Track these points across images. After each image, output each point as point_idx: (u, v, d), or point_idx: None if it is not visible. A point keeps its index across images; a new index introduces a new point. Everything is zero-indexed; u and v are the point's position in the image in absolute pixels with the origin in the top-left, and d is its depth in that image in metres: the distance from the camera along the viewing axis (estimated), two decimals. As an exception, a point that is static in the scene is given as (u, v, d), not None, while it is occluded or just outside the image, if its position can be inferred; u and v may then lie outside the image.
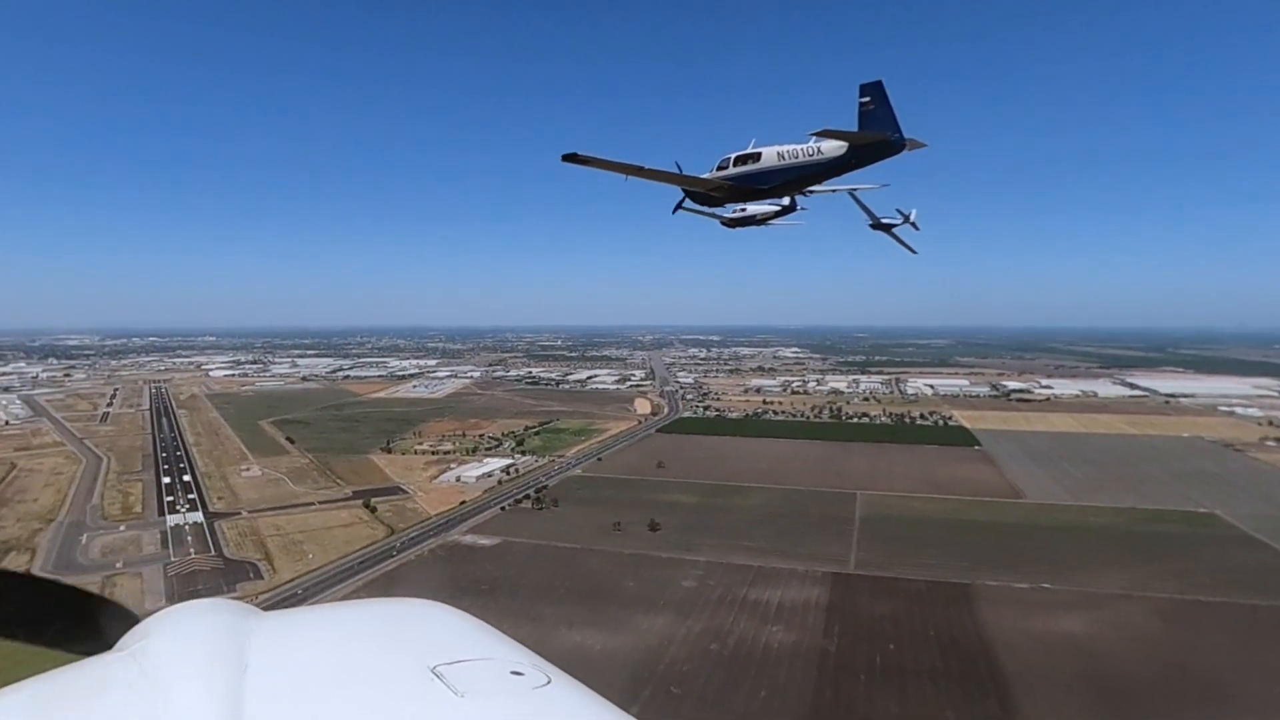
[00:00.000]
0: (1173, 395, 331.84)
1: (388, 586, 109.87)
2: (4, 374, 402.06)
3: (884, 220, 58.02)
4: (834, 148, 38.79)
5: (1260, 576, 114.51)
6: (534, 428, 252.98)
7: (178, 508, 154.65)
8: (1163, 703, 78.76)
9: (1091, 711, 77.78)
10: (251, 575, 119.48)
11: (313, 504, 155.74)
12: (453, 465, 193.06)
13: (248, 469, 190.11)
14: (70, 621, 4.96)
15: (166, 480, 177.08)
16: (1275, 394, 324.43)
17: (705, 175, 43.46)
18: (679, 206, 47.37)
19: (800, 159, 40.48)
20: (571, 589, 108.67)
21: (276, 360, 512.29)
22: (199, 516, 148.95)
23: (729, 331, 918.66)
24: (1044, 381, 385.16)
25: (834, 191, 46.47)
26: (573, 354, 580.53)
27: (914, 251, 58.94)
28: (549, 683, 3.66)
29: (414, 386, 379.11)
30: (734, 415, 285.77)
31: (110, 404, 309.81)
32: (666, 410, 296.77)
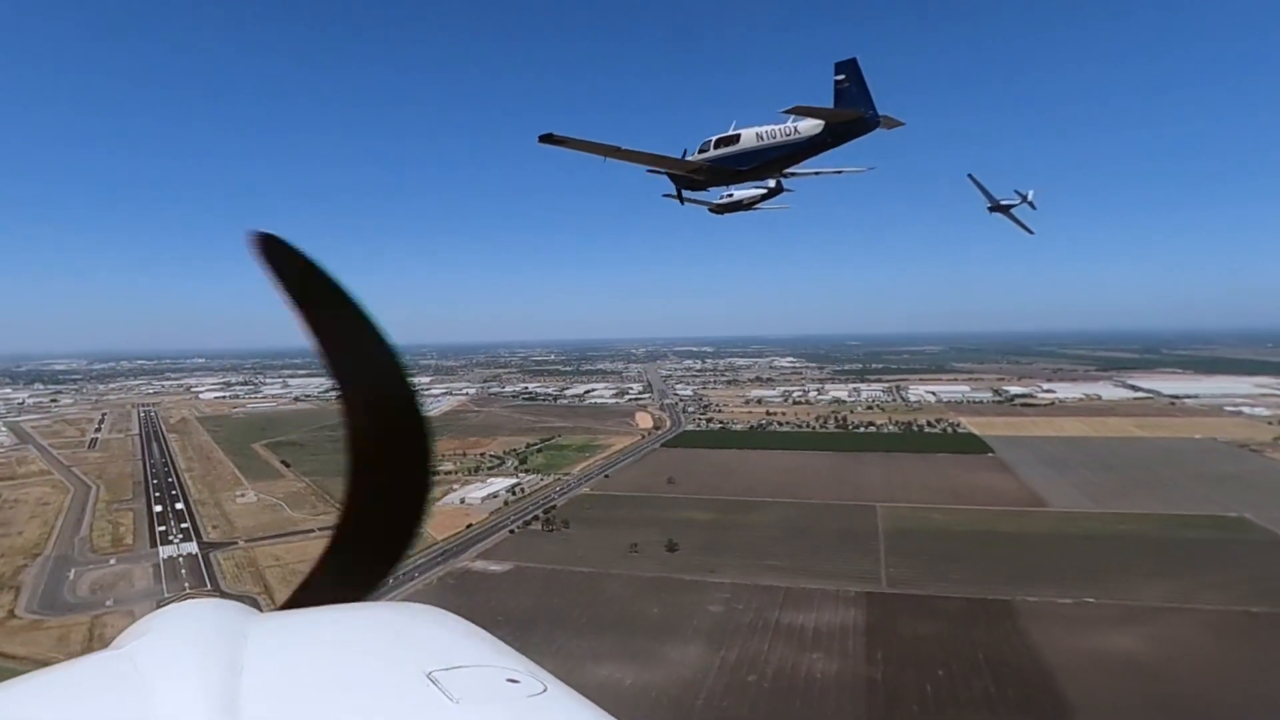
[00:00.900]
0: (1176, 396, 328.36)
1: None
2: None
3: (1003, 202, 54.08)
4: (811, 127, 38.54)
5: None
6: (536, 445, 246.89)
7: (170, 538, 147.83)
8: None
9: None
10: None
11: (312, 531, 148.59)
12: (455, 486, 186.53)
13: (242, 495, 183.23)
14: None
15: (158, 509, 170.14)
16: (1279, 392, 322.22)
17: (687, 158, 43.08)
18: (675, 195, 47.01)
19: (778, 139, 40.24)
20: (594, 618, 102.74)
21: (268, 381, 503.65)
22: (193, 547, 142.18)
23: (721, 343, 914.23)
24: (1045, 385, 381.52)
25: (816, 174, 45.79)
26: (567, 368, 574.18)
27: (1030, 232, 55.25)
28: (545, 690, 3.61)
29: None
30: (738, 427, 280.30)
31: (98, 429, 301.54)
32: (669, 424, 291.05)
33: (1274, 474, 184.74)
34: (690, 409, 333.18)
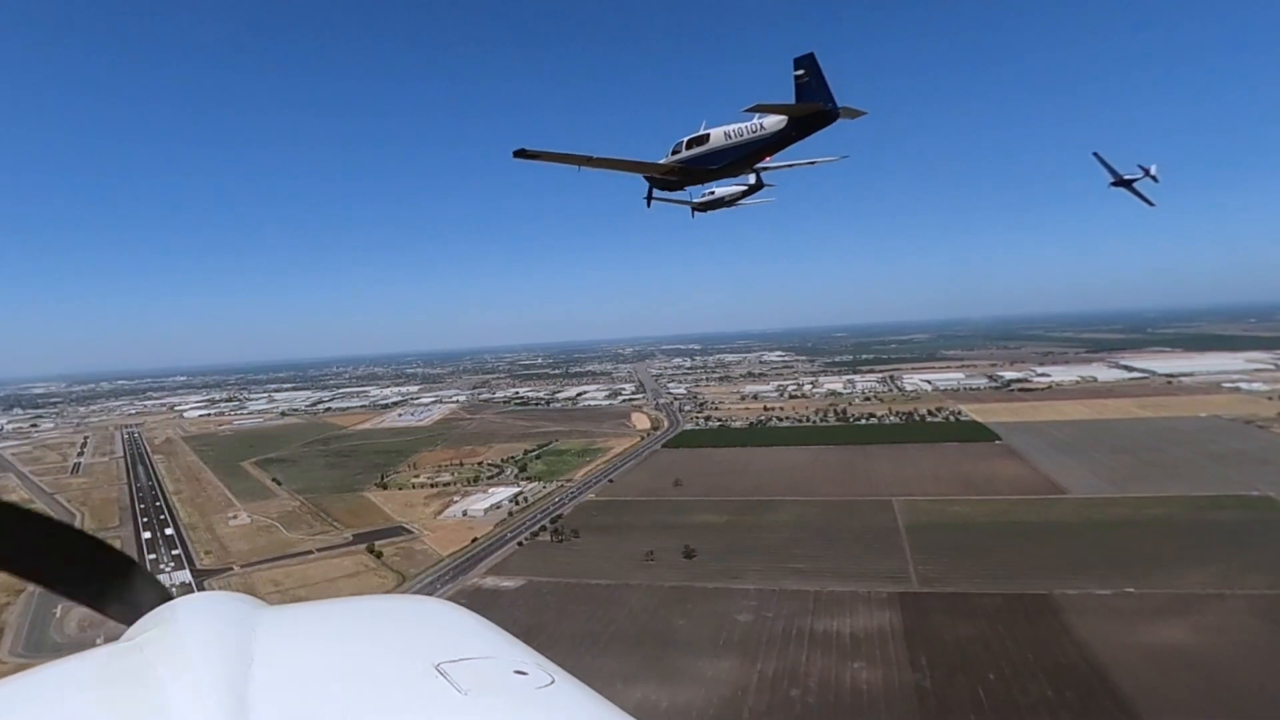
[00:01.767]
0: (1172, 375, 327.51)
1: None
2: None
3: (1126, 176, 50.31)
4: (775, 122, 39.39)
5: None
6: (534, 451, 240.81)
7: (162, 566, 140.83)
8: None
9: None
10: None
11: (311, 552, 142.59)
12: (456, 498, 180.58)
13: (235, 517, 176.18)
14: (108, 585, 5.10)
15: (147, 535, 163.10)
16: (1272, 367, 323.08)
17: (659, 160, 43.97)
18: (649, 198, 47.43)
19: (746, 136, 41.24)
20: (618, 634, 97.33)
21: (252, 396, 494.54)
22: (186, 575, 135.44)
23: (708, 339, 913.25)
24: (1038, 370, 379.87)
25: (790, 166, 46.43)
26: (556, 371, 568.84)
27: (1151, 204, 50.78)
28: (552, 683, 3.67)
29: (399, 415, 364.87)
30: (737, 424, 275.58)
31: (81, 453, 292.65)
32: (667, 424, 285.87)
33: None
34: (686, 408, 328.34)
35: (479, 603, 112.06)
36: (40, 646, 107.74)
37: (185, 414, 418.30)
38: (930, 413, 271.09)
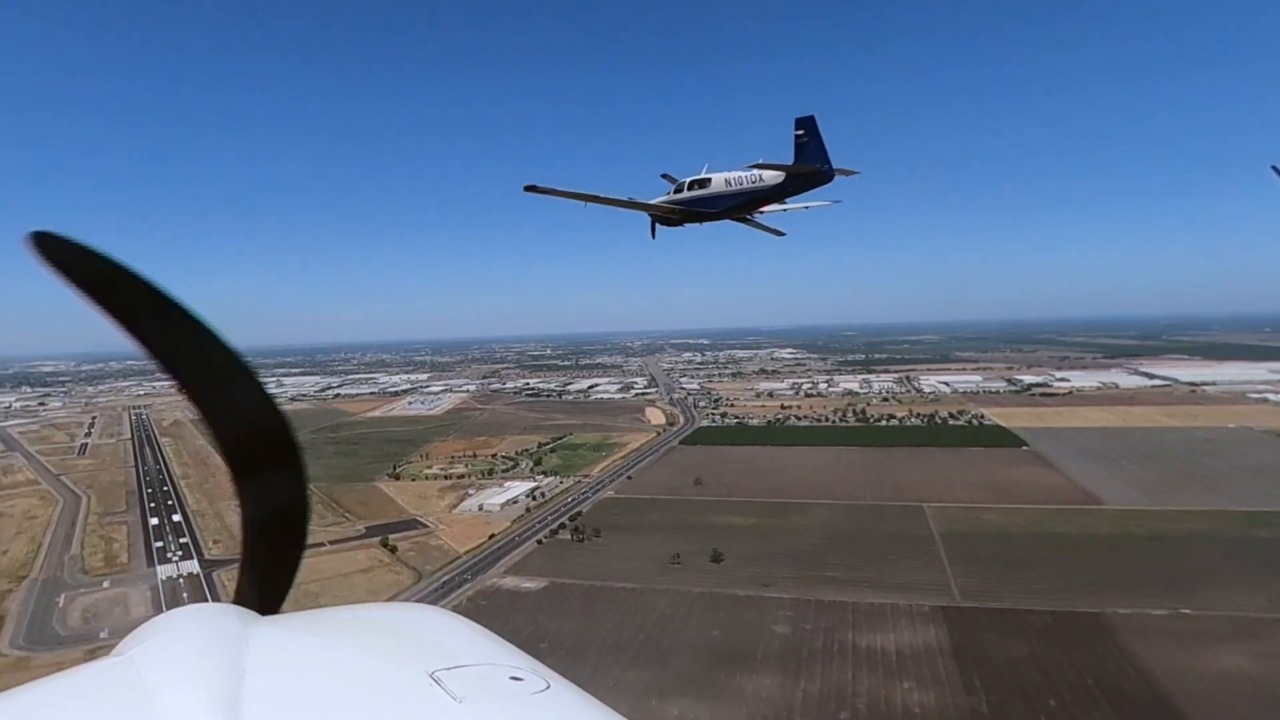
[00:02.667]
0: (1195, 383, 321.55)
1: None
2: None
3: None
4: (773, 176, 41.27)
5: None
6: (548, 444, 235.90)
7: (169, 555, 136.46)
8: None
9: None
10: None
11: (323, 545, 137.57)
12: (471, 491, 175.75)
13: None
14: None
15: (154, 521, 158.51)
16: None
17: (658, 200, 45.36)
18: (653, 231, 48.69)
19: (745, 186, 43.01)
20: (648, 644, 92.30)
21: (262, 380, 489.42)
22: (194, 565, 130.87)
23: (716, 334, 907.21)
24: (1057, 374, 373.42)
25: (785, 210, 47.17)
26: (566, 363, 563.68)
27: None
28: (548, 688, 3.65)
29: (409, 403, 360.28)
30: (754, 422, 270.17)
31: (89, 434, 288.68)
32: (682, 420, 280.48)
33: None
34: (701, 403, 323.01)
35: (499, 604, 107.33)
36: (42, 638, 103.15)
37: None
38: (952, 415, 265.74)
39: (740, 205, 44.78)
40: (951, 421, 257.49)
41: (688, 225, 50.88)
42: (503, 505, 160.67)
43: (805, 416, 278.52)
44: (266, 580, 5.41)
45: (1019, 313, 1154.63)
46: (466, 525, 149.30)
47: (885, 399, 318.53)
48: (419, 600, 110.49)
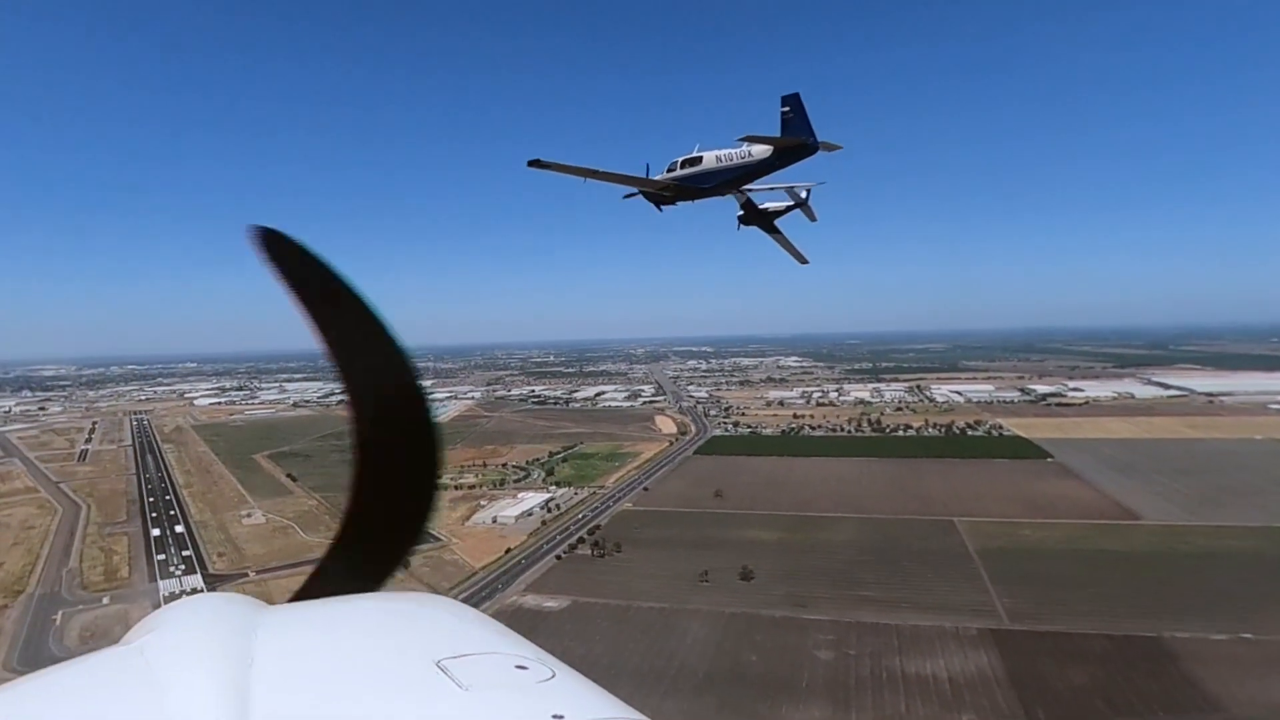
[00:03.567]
0: (1212, 394, 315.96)
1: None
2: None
3: None
4: (761, 151, 43.03)
5: None
6: (559, 453, 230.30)
7: (171, 569, 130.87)
8: None
9: None
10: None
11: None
12: (483, 502, 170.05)
13: (249, 515, 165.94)
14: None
15: (156, 532, 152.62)
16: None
17: (655, 177, 46.79)
18: (656, 206, 49.74)
19: (734, 161, 44.69)
20: (684, 669, 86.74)
21: (264, 385, 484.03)
22: (197, 580, 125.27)
23: (719, 342, 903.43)
24: (1070, 384, 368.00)
25: (771, 189, 49.01)
26: (570, 370, 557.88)
27: None
28: (554, 676, 3.68)
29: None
30: (768, 431, 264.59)
31: (89, 440, 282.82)
32: (694, 429, 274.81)
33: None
34: (712, 412, 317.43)
35: (520, 625, 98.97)
36: (38, 659, 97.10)
37: (195, 402, 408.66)
38: (969, 426, 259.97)
39: (732, 180, 46.55)
40: (970, 432, 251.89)
41: (681, 203, 52.61)
42: (517, 518, 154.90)
43: (819, 426, 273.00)
44: (368, 563, 5.43)
45: (1023, 321, 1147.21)
46: (481, 539, 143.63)
47: (899, 408, 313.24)
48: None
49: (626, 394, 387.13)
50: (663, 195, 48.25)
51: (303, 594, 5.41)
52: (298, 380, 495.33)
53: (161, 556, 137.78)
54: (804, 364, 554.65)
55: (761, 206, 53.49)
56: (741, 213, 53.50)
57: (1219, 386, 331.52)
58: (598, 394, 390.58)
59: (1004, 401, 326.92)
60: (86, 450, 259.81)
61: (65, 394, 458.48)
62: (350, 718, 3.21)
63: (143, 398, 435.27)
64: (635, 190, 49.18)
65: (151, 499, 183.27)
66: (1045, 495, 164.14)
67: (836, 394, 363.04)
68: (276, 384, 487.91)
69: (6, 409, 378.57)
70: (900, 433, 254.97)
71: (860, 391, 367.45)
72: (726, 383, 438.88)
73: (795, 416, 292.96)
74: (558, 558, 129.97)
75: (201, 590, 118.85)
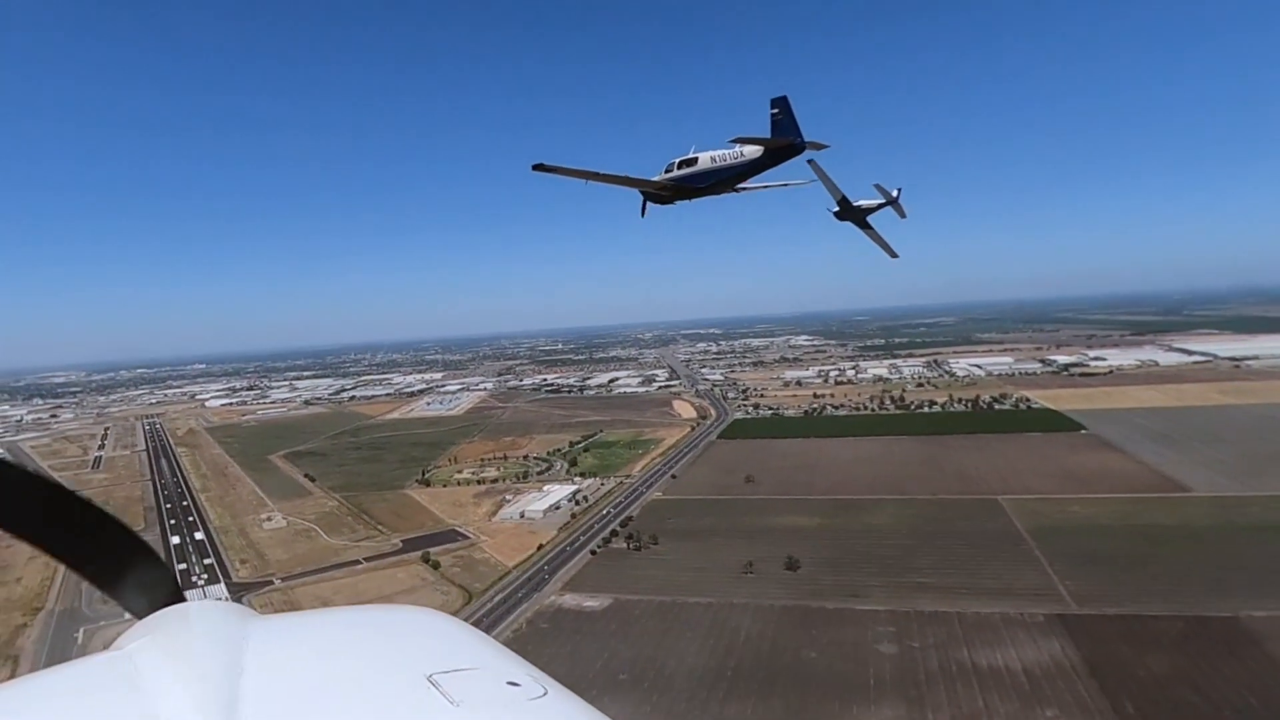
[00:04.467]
0: (1236, 359, 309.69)
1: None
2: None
3: None
4: (752, 151, 45.45)
5: None
6: (579, 442, 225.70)
7: (194, 579, 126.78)
8: None
9: None
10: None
11: (358, 563, 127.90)
12: (508, 496, 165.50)
13: (269, 518, 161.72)
14: (126, 573, 4.95)
15: (175, 540, 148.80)
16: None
17: (653, 178, 48.69)
18: (644, 210, 51.52)
19: (728, 161, 46.97)
20: (741, 670, 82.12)
21: (274, 385, 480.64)
22: (221, 590, 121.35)
23: (726, 324, 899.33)
24: (1091, 353, 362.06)
25: (766, 188, 51.21)
26: (579, 357, 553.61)
27: None
28: (545, 694, 3.63)
29: (427, 404, 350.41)
30: (790, 413, 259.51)
31: (102, 446, 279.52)
32: (714, 413, 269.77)
33: None
34: (730, 395, 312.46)
35: (563, 627, 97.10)
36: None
37: (207, 403, 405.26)
38: (995, 400, 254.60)
39: (726, 179, 47.90)
40: (997, 406, 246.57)
41: (679, 201, 54.12)
42: (545, 512, 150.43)
43: (841, 405, 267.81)
44: (132, 583, 4.86)
45: (1029, 292, 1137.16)
46: (510, 535, 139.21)
47: (920, 384, 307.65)
48: (474, 623, 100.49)
49: (640, 379, 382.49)
50: (662, 195, 49.95)
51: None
52: (307, 378, 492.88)
53: (183, 566, 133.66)
54: (815, 342, 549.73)
55: (856, 204, 56.94)
56: (837, 209, 56.86)
57: (1242, 351, 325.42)
58: (611, 380, 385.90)
59: (1026, 373, 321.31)
60: (100, 457, 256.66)
61: (76, 400, 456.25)
62: None
63: (153, 401, 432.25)
64: (651, 201, 50.84)
65: (169, 505, 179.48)
66: (1086, 468, 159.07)
67: (854, 372, 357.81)
68: (286, 382, 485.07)
69: (18, 418, 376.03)
70: (925, 409, 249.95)
71: (877, 368, 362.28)
72: (740, 364, 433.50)
73: (815, 396, 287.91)
74: (592, 553, 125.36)
75: (226, 600, 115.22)
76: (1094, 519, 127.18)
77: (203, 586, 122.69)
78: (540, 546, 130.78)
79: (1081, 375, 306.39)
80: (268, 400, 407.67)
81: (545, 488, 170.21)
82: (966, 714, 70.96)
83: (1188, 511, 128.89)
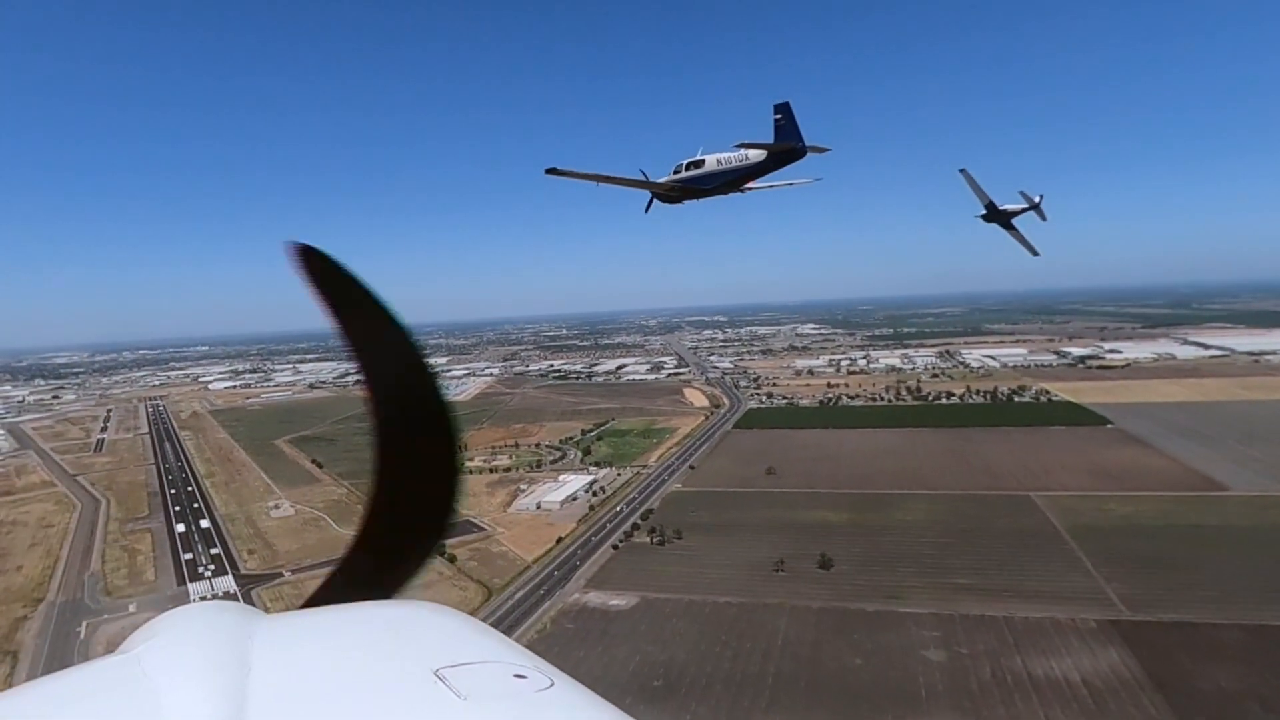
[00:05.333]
0: (1254, 353, 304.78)
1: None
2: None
3: None
4: (757, 154, 47.77)
5: None
6: (591, 431, 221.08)
7: (200, 570, 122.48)
8: None
9: None
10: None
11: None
12: (523, 486, 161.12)
13: (277, 506, 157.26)
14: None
15: (180, 528, 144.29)
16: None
17: (661, 179, 51.32)
18: (649, 207, 54.56)
19: (733, 164, 49.20)
20: (782, 677, 77.70)
21: (277, 367, 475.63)
22: (229, 582, 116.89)
23: (730, 311, 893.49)
24: (1106, 346, 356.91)
25: (771, 187, 53.72)
26: (585, 343, 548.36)
27: None
28: (552, 685, 3.64)
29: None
30: (805, 403, 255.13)
31: (104, 429, 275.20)
32: (727, 402, 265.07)
33: None
34: (741, 383, 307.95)
35: (590, 628, 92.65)
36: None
37: (210, 385, 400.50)
38: (1014, 392, 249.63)
39: (731, 181, 49.85)
40: (1016, 398, 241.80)
41: (688, 201, 55.82)
42: (562, 503, 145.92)
43: (856, 395, 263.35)
44: (387, 565, 5.40)
45: (1036, 283, 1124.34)
46: (527, 527, 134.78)
47: (934, 375, 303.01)
48: (495, 622, 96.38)
49: (648, 366, 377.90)
50: (670, 195, 51.73)
51: (318, 599, 5.23)
52: (310, 361, 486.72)
53: (189, 555, 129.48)
54: (823, 331, 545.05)
55: (1002, 207, 60.09)
56: (985, 212, 59.83)
57: (1259, 345, 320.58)
58: (619, 367, 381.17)
59: (1041, 365, 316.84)
60: (103, 440, 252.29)
61: (78, 381, 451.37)
62: None
63: (156, 383, 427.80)
64: (660, 201, 52.56)
65: (173, 491, 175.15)
66: (1117, 465, 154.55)
67: (865, 361, 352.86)
68: (290, 365, 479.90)
69: (20, 398, 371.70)
70: (943, 400, 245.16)
71: (889, 358, 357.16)
72: (748, 352, 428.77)
73: (829, 386, 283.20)
74: (614, 547, 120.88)
75: (235, 595, 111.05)
76: (1133, 518, 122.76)
77: (209, 578, 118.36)
78: (559, 539, 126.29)
79: (1098, 368, 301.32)
80: (272, 383, 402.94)
81: (561, 477, 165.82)
82: (1030, 730, 66.52)
83: (1229, 511, 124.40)
